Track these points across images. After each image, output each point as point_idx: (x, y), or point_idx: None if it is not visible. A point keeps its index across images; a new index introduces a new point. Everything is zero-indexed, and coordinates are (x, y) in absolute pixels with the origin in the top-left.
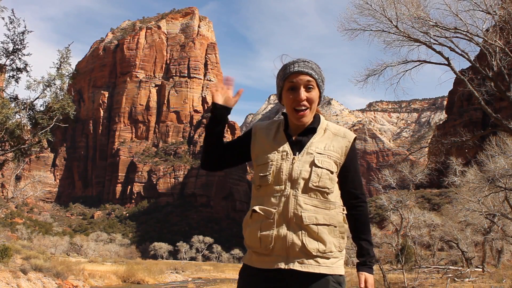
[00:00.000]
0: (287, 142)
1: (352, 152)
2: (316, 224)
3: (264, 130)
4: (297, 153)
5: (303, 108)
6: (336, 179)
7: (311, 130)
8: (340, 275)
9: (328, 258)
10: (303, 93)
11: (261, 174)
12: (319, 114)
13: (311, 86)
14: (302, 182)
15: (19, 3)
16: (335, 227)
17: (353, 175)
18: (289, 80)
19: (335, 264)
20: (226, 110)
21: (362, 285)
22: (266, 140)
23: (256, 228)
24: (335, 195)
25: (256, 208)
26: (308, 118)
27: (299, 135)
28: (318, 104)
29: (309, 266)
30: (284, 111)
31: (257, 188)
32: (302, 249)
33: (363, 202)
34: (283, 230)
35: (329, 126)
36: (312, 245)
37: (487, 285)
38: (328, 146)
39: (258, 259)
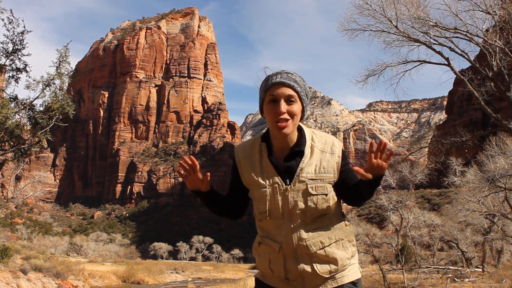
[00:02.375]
0: (276, 172)
1: (344, 162)
2: (323, 248)
3: (247, 159)
4: (288, 181)
5: (284, 120)
6: (333, 196)
7: (298, 153)
8: (357, 279)
9: (343, 271)
10: (284, 106)
11: (259, 211)
12: (303, 129)
13: (292, 100)
14: (299, 213)
15: (20, 3)
16: (343, 239)
17: (350, 175)
18: (270, 92)
19: (351, 271)
20: (203, 193)
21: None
22: (253, 169)
23: (266, 261)
24: (334, 208)
25: (261, 241)
26: (290, 129)
27: (286, 160)
28: (301, 119)
29: (327, 285)
30: (264, 131)
31: (259, 219)
32: (315, 274)
33: None
34: (292, 261)
35: (315, 143)
36: (324, 269)
37: (487, 285)
38: (318, 168)
39: (272, 280)
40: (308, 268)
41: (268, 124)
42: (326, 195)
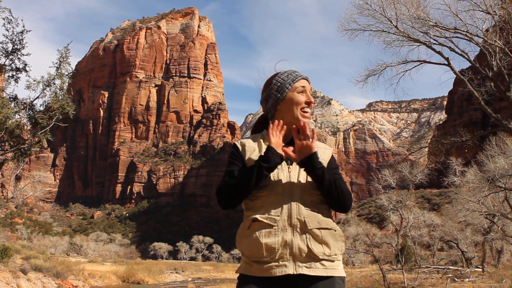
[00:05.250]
0: None
1: (331, 165)
2: (319, 228)
3: (251, 143)
4: (289, 161)
5: (308, 111)
6: None
7: None
8: (344, 277)
9: (333, 261)
10: (312, 98)
11: (260, 185)
12: None
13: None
14: (300, 189)
15: (21, 3)
16: (335, 231)
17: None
18: (300, 84)
19: (339, 267)
20: (280, 160)
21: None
22: (257, 152)
23: (259, 236)
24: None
25: (258, 216)
26: (310, 119)
27: (287, 145)
28: None
29: (317, 270)
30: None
31: (253, 199)
32: (308, 253)
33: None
34: (288, 236)
35: None
36: (318, 249)
37: (487, 285)
38: (319, 154)
39: (260, 268)
40: (303, 246)
41: (290, 111)
42: None
